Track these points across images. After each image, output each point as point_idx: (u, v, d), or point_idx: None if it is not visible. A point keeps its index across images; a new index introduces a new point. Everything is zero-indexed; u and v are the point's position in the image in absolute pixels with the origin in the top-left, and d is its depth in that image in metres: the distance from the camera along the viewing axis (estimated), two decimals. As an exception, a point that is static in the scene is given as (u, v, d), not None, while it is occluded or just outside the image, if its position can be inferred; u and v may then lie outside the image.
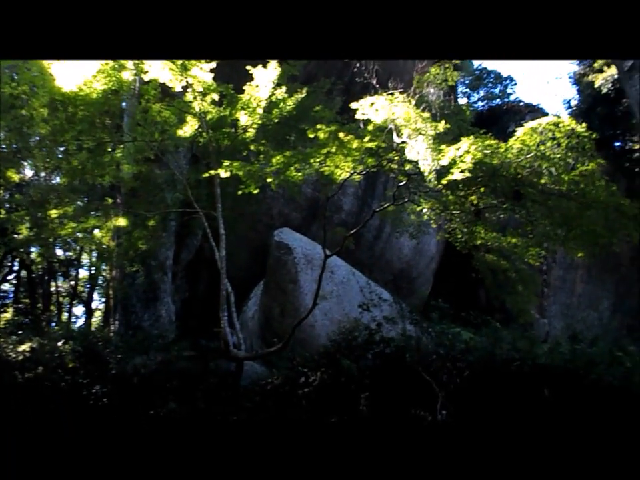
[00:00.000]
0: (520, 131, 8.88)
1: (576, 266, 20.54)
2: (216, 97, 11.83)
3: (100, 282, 25.54)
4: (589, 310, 20.69)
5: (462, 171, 8.27)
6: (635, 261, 22.25)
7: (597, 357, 12.50)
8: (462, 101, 28.03)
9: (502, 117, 24.77)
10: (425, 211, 11.02)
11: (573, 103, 28.56)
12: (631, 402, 10.96)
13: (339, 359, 11.17)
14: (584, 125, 8.76)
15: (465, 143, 8.28)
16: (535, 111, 24.31)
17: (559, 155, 8.58)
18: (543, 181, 8.82)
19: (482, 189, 9.40)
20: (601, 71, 26.03)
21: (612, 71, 23.42)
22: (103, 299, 26.33)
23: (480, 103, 28.81)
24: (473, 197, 9.68)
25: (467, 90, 29.46)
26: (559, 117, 9.19)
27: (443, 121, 8.78)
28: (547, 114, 23.90)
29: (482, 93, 29.07)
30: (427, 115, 8.98)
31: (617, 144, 27.52)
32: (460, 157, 8.22)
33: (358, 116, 9.73)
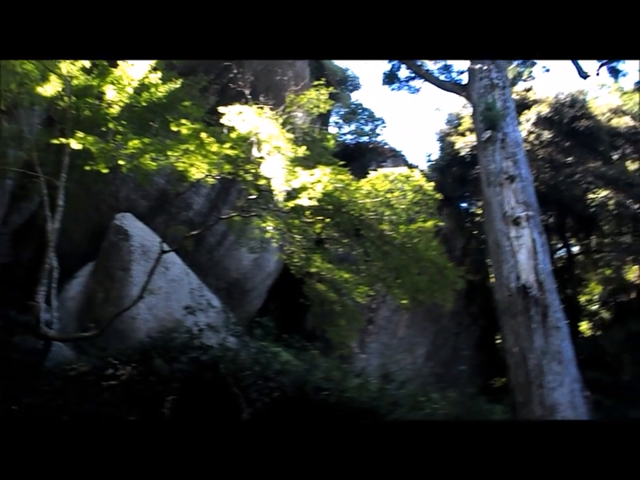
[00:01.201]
0: (373, 175, 9.20)
1: (402, 310, 21.43)
2: (87, 64, 11.29)
3: None
4: (406, 353, 21.63)
5: (310, 198, 8.43)
6: (455, 315, 23.65)
7: (402, 399, 13.10)
8: (333, 129, 28.69)
9: (366, 155, 25.55)
10: (269, 228, 11.11)
11: (434, 157, 30.08)
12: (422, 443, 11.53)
13: (153, 358, 10.93)
14: (432, 184, 9.23)
15: (319, 171, 8.45)
16: (398, 157, 25.31)
17: (402, 206, 8.96)
18: (382, 227, 9.19)
19: (327, 220, 9.63)
20: (463, 134, 27.65)
21: (472, 137, 24.88)
22: None
23: (349, 137, 29.56)
24: (317, 226, 9.89)
25: (340, 121, 30.15)
26: (414, 168, 9.64)
27: (305, 147, 8.93)
28: (407, 162, 25.03)
29: (353, 127, 29.84)
30: (290, 136, 9.09)
31: (464, 204, 29.31)
32: (311, 183, 8.37)
33: (224, 121, 9.66)
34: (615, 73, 26.29)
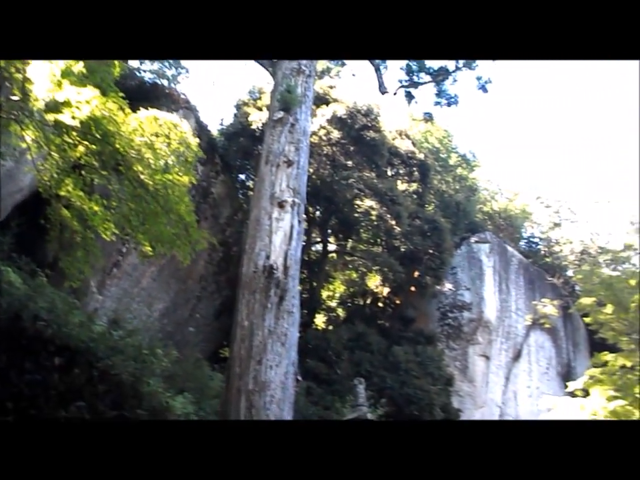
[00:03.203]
0: (143, 113, 8.90)
1: (152, 261, 20.99)
2: None
3: None
4: (144, 305, 21.29)
5: (73, 118, 7.91)
6: (202, 279, 23.79)
7: (124, 348, 12.91)
8: (134, 63, 27.30)
9: (160, 99, 24.63)
10: (27, 138, 10.23)
11: (226, 122, 29.89)
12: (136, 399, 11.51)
13: None
14: (197, 140, 9.14)
15: (90, 92, 7.95)
16: (190, 110, 24.74)
17: (163, 153, 8.76)
18: (140, 169, 8.91)
19: (90, 147, 9.11)
20: (260, 109, 27.76)
21: (266, 114, 25.09)
22: None
23: (149, 75, 28.34)
24: (78, 149, 9.32)
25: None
26: (201, 127, 9.46)
27: (82, 63, 8.33)
28: (198, 118, 24.63)
29: (155, 66, 28.69)
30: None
31: (242, 176, 29.57)
32: (77, 102, 7.86)
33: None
34: (409, 97, 28.14)
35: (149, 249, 10.36)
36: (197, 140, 9.15)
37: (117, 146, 8.58)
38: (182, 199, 9.17)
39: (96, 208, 10.42)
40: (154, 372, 13.34)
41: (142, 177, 8.84)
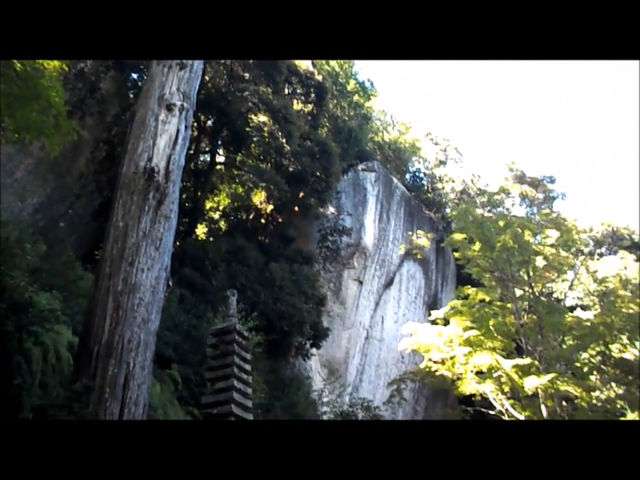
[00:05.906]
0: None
1: (37, 155, 20.05)
2: None
3: None
4: (16, 197, 20.38)
5: None
6: (82, 177, 22.87)
7: (-10, 239, 12.46)
8: None
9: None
10: None
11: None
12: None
13: None
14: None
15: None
16: None
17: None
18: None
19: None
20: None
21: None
22: None
23: None
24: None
25: None
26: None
27: None
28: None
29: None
30: None
31: (135, 74, 28.36)
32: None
33: None
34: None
35: (16, 135, 9.85)
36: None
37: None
38: (52, 85, 8.71)
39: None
40: (19, 266, 12.97)
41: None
